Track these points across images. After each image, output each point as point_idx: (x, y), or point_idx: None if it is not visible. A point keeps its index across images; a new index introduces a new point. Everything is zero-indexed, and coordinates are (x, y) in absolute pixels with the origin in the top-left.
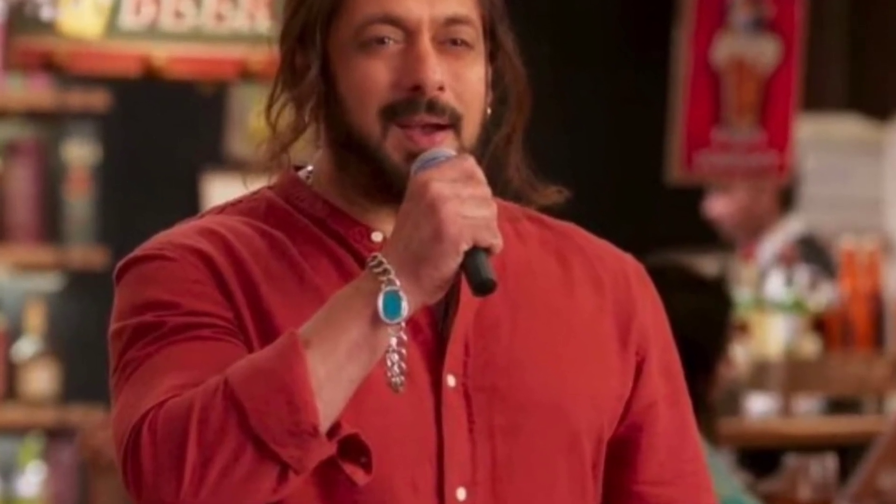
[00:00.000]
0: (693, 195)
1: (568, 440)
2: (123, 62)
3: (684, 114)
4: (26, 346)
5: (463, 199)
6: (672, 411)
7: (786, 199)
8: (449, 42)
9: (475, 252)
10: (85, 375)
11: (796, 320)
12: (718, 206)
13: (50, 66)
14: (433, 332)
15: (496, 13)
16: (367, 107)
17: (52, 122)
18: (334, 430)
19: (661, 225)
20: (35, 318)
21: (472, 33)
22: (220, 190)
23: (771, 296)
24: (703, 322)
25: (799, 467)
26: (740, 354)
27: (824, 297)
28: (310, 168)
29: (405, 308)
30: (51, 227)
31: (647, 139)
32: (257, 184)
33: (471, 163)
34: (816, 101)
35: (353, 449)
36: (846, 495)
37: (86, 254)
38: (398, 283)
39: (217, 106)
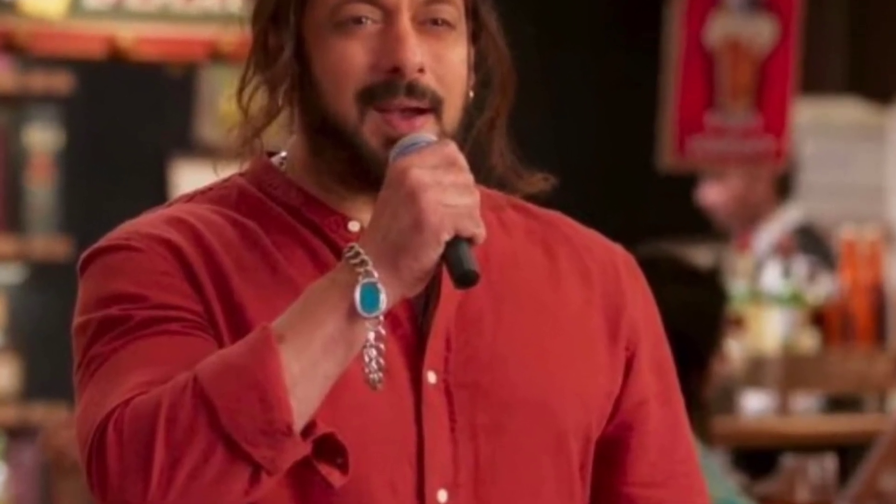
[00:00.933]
0: (686, 182)
1: (554, 440)
2: (88, 43)
3: (676, 97)
4: None
5: (444, 187)
6: (663, 409)
7: (783, 187)
8: (429, 22)
9: (457, 242)
10: (47, 372)
11: (794, 314)
12: (712, 194)
13: (10, 47)
14: (413, 326)
15: None
16: (344, 90)
17: (12, 106)
18: (309, 429)
19: (653, 214)
20: None
21: (454, 12)
22: (190, 177)
23: (767, 288)
24: (697, 316)
25: (797, 468)
26: (735, 350)
27: (823, 289)
28: (283, 154)
29: (383, 301)
30: (11, 216)
31: (638, 124)
32: (228, 170)
33: (452, 148)
34: (815, 83)
35: (328, 449)
36: (846, 497)
37: (48, 244)
38: (376, 274)
39: (186, 89)
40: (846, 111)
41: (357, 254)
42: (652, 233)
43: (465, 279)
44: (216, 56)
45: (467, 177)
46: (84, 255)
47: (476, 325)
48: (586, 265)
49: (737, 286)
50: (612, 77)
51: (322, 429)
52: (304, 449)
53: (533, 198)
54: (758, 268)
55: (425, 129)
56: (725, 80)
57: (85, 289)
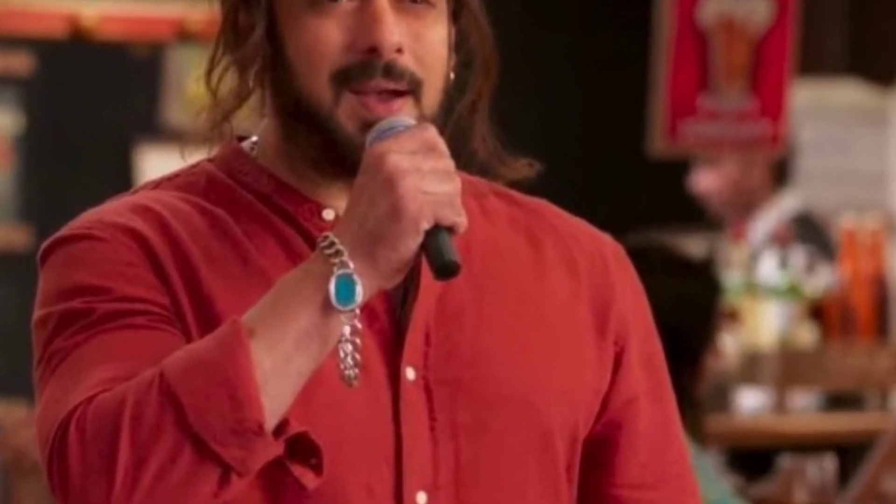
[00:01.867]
0: (677, 169)
1: (539, 439)
2: (48, 21)
3: (668, 79)
4: None
5: (423, 173)
6: (654, 407)
7: (780, 173)
8: None
9: (437, 231)
10: (6, 368)
11: (791, 307)
12: (705, 181)
13: None
14: (390, 319)
15: None
16: (318, 71)
17: None
18: (281, 428)
19: (643, 201)
20: None
21: None
22: (156, 163)
23: (763, 280)
24: (689, 309)
25: (794, 469)
26: (730, 344)
27: (822, 281)
28: (254, 139)
29: (359, 293)
30: None
31: (627, 107)
32: (196, 156)
33: (432, 133)
34: (813, 64)
35: (301, 449)
36: (846, 500)
37: (7, 233)
38: (352, 265)
39: (152, 70)
40: (846, 93)
41: (332, 243)
42: (642, 222)
43: (446, 270)
44: (184, 35)
45: (447, 162)
46: (45, 245)
47: (457, 319)
48: (573, 255)
49: (731, 278)
50: (600, 57)
51: (295, 428)
52: (275, 449)
53: (517, 184)
54: (753, 258)
55: (403, 113)
56: (719, 60)
57: (46, 280)
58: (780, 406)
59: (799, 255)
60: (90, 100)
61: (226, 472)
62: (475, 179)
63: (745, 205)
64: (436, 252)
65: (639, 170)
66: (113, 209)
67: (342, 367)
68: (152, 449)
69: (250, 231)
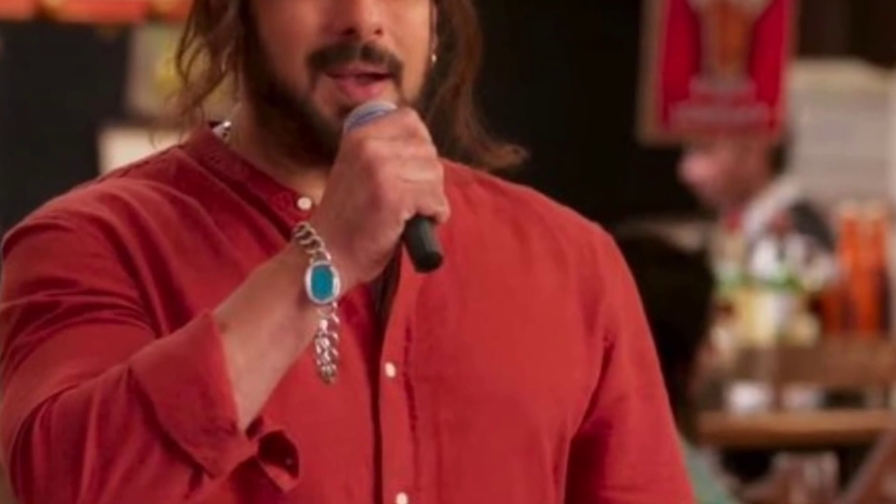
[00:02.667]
0: (670, 155)
1: (525, 439)
2: (11, 1)
3: (660, 61)
4: None
5: (404, 160)
6: (645, 406)
7: (777, 160)
8: None
9: (418, 221)
10: None
11: (789, 300)
12: (699, 168)
13: None
14: (370, 313)
15: None
16: (293, 53)
17: None
18: (255, 426)
19: (633, 190)
20: None
21: None
22: (124, 149)
23: (760, 272)
24: (682, 302)
25: (792, 470)
26: (724, 340)
27: (821, 273)
28: (227, 124)
29: (337, 286)
30: None
31: (617, 90)
32: (166, 142)
33: (413, 118)
34: (812, 46)
35: (276, 449)
36: (846, 502)
37: None
38: (329, 257)
39: (120, 52)
40: (847, 76)
41: (308, 234)
42: (632, 211)
43: (427, 262)
44: (153, 16)
45: (429, 149)
46: (7, 235)
47: (439, 313)
48: (560, 247)
49: (726, 270)
50: (588, 38)
51: (270, 427)
52: (249, 449)
53: (501, 172)
54: (749, 249)
55: (383, 97)
56: (714, 42)
57: (8, 272)
58: (777, 404)
59: (797, 246)
60: (55, 83)
61: (197, 473)
62: (458, 167)
63: (741, 193)
64: (417, 243)
65: (629, 157)
66: (79, 198)
67: (319, 362)
68: (120, 449)
69: (223, 221)
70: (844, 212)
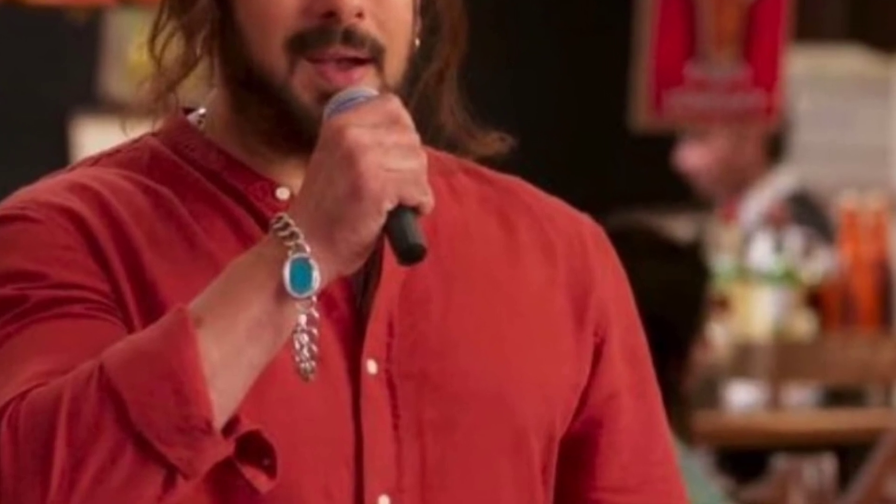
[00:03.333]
0: (663, 144)
1: (512, 438)
2: None
3: (652, 46)
4: None
5: (386, 149)
6: (637, 404)
7: (774, 149)
8: None
9: (401, 212)
10: None
11: (787, 294)
12: (693, 157)
13: None
14: (350, 308)
15: None
16: (271, 37)
17: None
18: (231, 426)
19: (625, 179)
20: None
21: None
22: (94, 137)
23: (756, 265)
24: (676, 296)
25: (790, 471)
26: (720, 335)
27: (820, 265)
28: (202, 111)
29: (317, 279)
30: None
31: (608, 76)
32: (139, 130)
33: (395, 104)
34: (811, 30)
35: (253, 449)
36: None
37: None
38: (308, 249)
39: (91, 36)
40: (846, 61)
41: (286, 225)
42: (624, 201)
43: (410, 254)
44: None
45: (412, 137)
46: None
47: (423, 307)
48: (549, 238)
49: (721, 262)
50: (578, 22)
51: (246, 426)
52: (225, 449)
53: (488, 161)
54: (745, 241)
55: (364, 83)
56: (709, 25)
57: None
58: (774, 402)
59: (795, 238)
60: (23, 69)
61: (171, 473)
62: (442, 155)
63: (737, 183)
64: (399, 234)
65: (621, 145)
66: (48, 188)
67: (298, 359)
68: (91, 449)
69: (197, 211)
70: (844, 202)
